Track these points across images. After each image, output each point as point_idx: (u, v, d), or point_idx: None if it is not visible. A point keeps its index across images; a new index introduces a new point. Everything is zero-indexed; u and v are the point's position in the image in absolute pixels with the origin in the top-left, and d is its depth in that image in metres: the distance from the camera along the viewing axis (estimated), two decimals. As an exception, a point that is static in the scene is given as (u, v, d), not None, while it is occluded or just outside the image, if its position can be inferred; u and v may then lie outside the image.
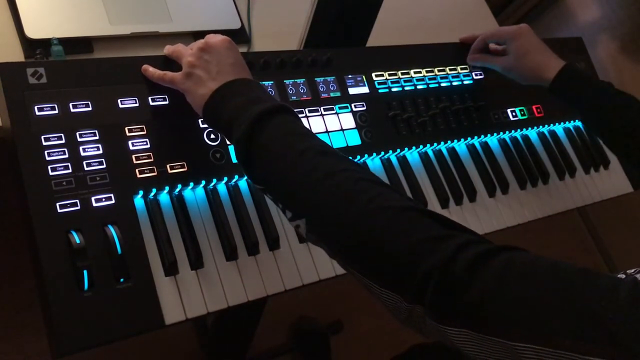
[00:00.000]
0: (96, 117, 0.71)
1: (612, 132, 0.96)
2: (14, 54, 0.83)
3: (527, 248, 0.51)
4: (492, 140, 1.07)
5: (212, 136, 0.78)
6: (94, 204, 0.67)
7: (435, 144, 0.97)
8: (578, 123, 1.20)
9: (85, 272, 0.63)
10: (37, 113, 0.68)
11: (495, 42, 1.06)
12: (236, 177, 0.78)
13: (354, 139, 0.89)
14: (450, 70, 1.05)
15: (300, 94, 0.87)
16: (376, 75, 0.96)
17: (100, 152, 0.70)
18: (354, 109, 0.91)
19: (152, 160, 0.72)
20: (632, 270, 0.59)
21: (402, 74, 0.98)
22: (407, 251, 0.52)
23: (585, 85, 0.97)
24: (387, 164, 0.93)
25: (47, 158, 0.67)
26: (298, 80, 0.88)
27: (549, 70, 0.97)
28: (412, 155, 0.96)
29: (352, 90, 0.92)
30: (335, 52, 0.92)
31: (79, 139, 0.69)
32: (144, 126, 0.73)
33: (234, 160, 0.78)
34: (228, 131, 0.65)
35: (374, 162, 0.92)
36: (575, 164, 1.14)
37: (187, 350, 1.47)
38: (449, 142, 0.99)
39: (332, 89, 0.90)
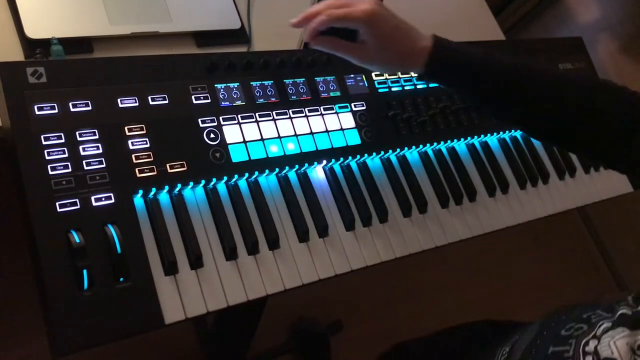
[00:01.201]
0: (96, 116, 0.71)
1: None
2: (14, 53, 0.83)
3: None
4: (492, 140, 1.07)
5: (212, 136, 0.78)
6: (94, 204, 0.67)
7: (435, 144, 0.97)
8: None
9: (85, 271, 0.63)
10: (37, 112, 0.68)
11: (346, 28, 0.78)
12: (236, 176, 0.78)
13: (354, 139, 0.89)
14: (450, 70, 1.05)
15: (300, 94, 0.87)
16: (376, 75, 0.95)
17: (100, 151, 0.70)
18: (354, 109, 0.91)
19: (151, 159, 0.72)
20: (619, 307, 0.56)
21: (402, 73, 0.98)
22: None
23: (466, 62, 0.75)
24: (387, 164, 0.93)
25: (47, 157, 0.67)
26: (298, 80, 0.88)
27: (419, 55, 0.76)
28: (412, 155, 0.96)
29: (352, 90, 0.92)
30: (335, 51, 0.92)
31: (79, 139, 0.69)
32: (143, 126, 0.73)
33: (234, 159, 0.78)
34: None
35: (373, 162, 0.92)
36: (575, 163, 1.14)
37: (187, 350, 1.47)
38: (449, 142, 0.99)
39: (332, 88, 0.90)
